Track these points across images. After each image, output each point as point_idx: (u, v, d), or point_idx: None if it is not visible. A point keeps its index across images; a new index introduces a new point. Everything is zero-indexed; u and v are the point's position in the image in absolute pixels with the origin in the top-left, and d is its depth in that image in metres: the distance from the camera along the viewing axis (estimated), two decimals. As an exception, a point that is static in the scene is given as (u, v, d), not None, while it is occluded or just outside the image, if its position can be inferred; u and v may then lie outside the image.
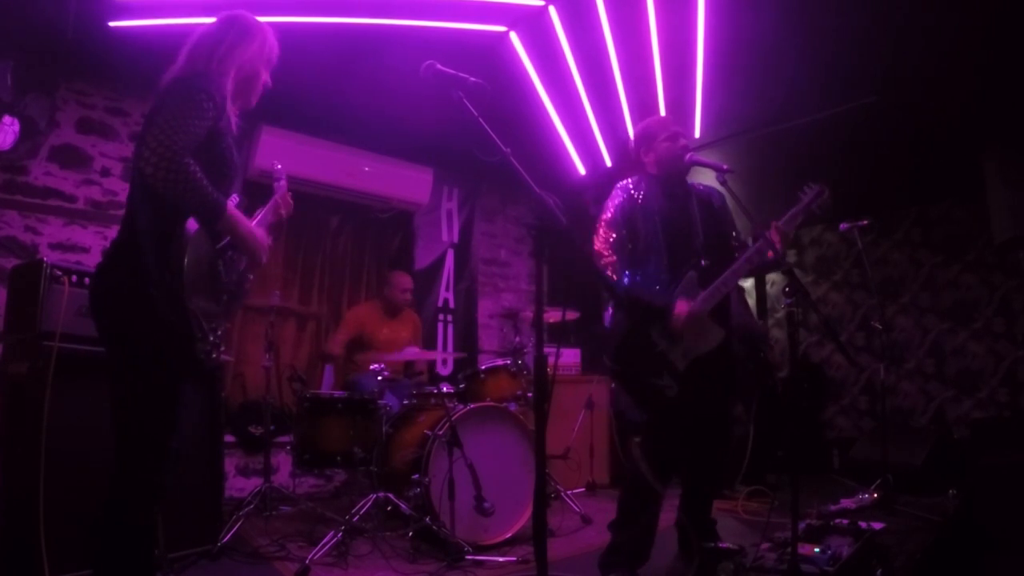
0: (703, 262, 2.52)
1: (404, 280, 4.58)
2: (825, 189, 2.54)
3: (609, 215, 2.59)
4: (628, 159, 2.78)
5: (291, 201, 2.09)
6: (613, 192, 2.66)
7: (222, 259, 1.76)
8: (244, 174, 4.40)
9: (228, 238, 1.75)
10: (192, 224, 1.64)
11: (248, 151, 4.40)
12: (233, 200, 1.80)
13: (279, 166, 2.21)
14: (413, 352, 4.38)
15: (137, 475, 1.64)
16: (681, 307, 2.43)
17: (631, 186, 2.64)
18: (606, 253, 2.52)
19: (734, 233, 2.74)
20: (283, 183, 2.12)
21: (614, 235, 2.54)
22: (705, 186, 2.77)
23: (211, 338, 1.70)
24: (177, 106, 1.60)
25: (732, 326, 2.60)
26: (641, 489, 2.48)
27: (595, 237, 2.59)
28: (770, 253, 2.46)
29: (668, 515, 2.77)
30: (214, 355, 1.73)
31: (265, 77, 1.92)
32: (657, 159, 2.64)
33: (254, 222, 1.90)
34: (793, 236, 2.53)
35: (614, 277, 2.48)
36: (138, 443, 1.65)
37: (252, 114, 4.59)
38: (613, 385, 2.60)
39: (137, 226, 1.65)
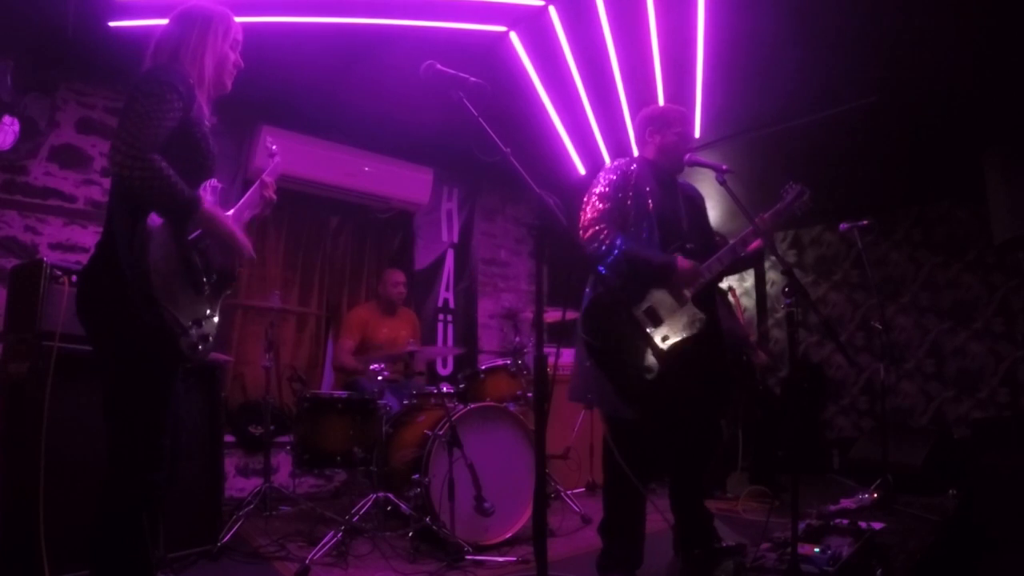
0: (688, 245, 2.52)
1: (396, 275, 4.58)
2: (806, 190, 2.53)
3: (602, 189, 2.55)
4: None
5: (272, 192, 2.04)
6: (607, 168, 2.63)
7: (196, 249, 1.73)
8: (244, 174, 4.41)
9: (199, 230, 1.73)
10: (156, 218, 1.62)
11: (248, 151, 4.41)
12: (213, 185, 1.79)
13: (274, 147, 2.18)
14: (415, 345, 4.38)
15: (129, 475, 1.64)
16: (683, 262, 2.40)
17: (624, 165, 2.62)
18: (595, 224, 2.47)
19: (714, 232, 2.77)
20: (277, 159, 2.10)
21: (607, 206, 2.50)
22: (688, 184, 2.78)
23: (193, 330, 1.69)
24: (141, 103, 1.60)
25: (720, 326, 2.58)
26: (620, 488, 2.43)
27: (585, 209, 2.55)
28: (753, 244, 2.47)
29: (667, 515, 2.77)
30: (200, 347, 1.71)
31: (234, 58, 1.90)
32: (662, 145, 2.64)
33: (232, 211, 1.88)
34: (772, 234, 2.54)
35: (605, 244, 2.42)
36: (129, 443, 1.64)
37: (252, 114, 4.60)
38: (590, 366, 2.49)
39: (114, 227, 1.66)
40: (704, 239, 2.64)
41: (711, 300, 2.58)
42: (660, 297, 2.46)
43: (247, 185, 4.28)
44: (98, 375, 1.70)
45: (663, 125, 2.66)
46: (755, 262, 2.70)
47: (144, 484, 1.65)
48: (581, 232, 2.50)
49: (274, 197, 2.04)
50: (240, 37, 1.92)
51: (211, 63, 1.82)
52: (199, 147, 1.74)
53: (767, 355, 4.46)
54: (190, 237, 1.71)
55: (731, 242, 2.51)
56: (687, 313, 2.45)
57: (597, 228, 2.46)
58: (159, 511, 1.74)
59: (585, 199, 2.58)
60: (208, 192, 1.77)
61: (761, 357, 4.32)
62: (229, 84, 1.90)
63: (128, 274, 1.58)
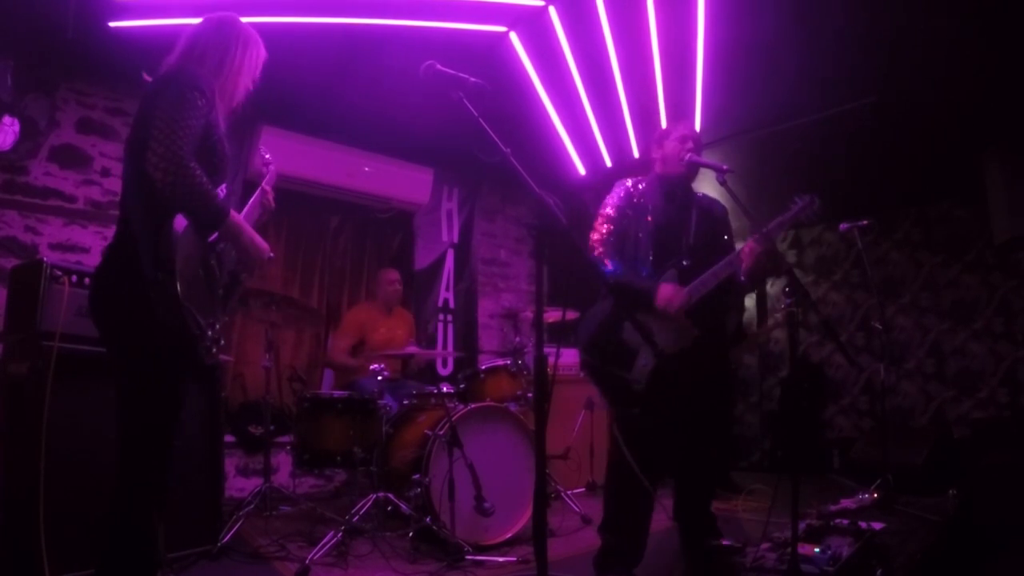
0: (685, 262, 2.53)
1: (391, 274, 4.59)
2: (816, 199, 2.53)
3: (606, 210, 2.64)
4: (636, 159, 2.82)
5: (271, 199, 2.13)
6: (614, 187, 2.70)
7: (214, 253, 1.76)
8: (244, 174, 4.41)
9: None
10: (181, 220, 1.63)
11: (248, 151, 4.41)
12: (222, 190, 1.80)
13: (267, 155, 2.27)
14: (414, 348, 4.38)
15: (142, 475, 1.64)
16: (665, 289, 2.43)
17: (630, 183, 2.68)
18: (596, 245, 2.58)
19: (728, 239, 2.75)
20: (272, 168, 2.19)
21: (607, 227, 2.59)
22: (709, 197, 2.78)
23: (209, 333, 1.69)
24: (172, 107, 1.61)
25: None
26: (627, 487, 2.44)
27: (592, 230, 2.63)
28: (746, 264, 2.45)
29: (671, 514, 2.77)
30: (214, 350, 1.72)
31: (248, 83, 1.94)
32: (663, 156, 2.66)
33: (241, 215, 1.92)
34: (777, 246, 2.53)
35: (601, 265, 2.51)
36: (142, 443, 1.65)
37: (252, 114, 4.61)
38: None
39: (131, 227, 1.66)
40: (714, 253, 2.61)
41: (715, 311, 2.58)
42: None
43: (247, 184, 4.30)
44: (101, 374, 1.71)
45: (661, 138, 2.70)
46: (758, 284, 2.71)
47: (156, 485, 1.66)
48: (589, 252, 2.58)
49: (273, 205, 2.13)
50: (262, 62, 1.98)
51: (243, 83, 1.89)
52: (215, 149, 1.76)
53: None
54: (209, 240, 1.72)
55: (716, 266, 2.48)
56: (678, 326, 2.46)
57: (597, 252, 2.56)
58: (162, 512, 1.74)
59: (595, 218, 2.66)
60: (223, 195, 1.79)
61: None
62: (236, 103, 1.96)
63: (150, 275, 1.59)
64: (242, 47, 1.87)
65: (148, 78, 1.73)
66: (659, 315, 2.44)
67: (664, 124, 4.02)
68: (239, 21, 1.91)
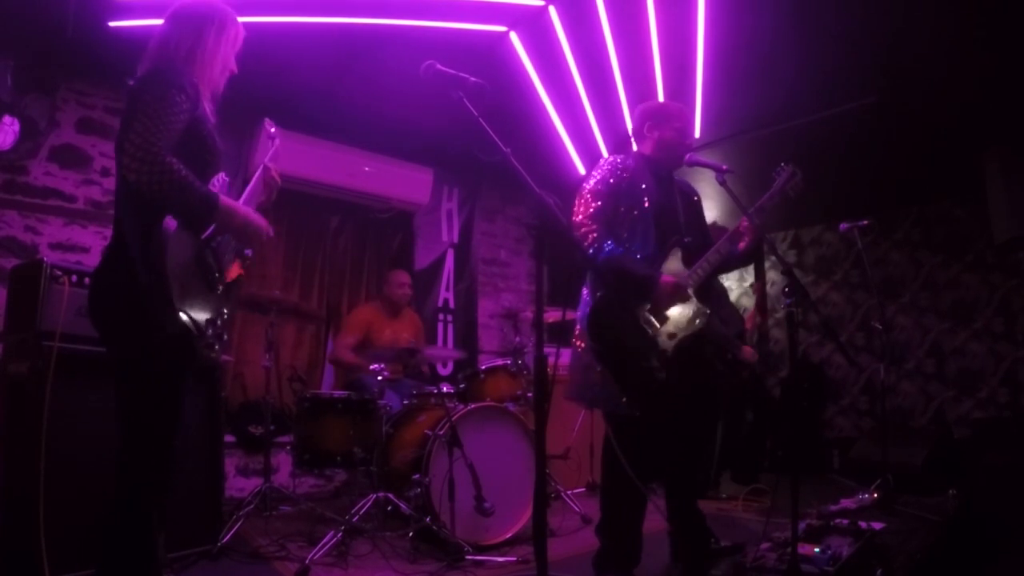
0: (686, 239, 2.50)
1: (402, 276, 4.59)
2: (797, 171, 2.51)
3: (593, 186, 2.52)
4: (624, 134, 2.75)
5: (275, 175, 2.06)
6: (599, 164, 2.61)
7: (210, 248, 1.73)
8: (244, 173, 4.41)
9: (212, 227, 1.72)
10: (171, 220, 1.60)
11: (248, 151, 4.41)
12: (221, 179, 1.78)
13: (273, 129, 2.21)
14: (416, 343, 4.38)
15: (142, 475, 1.64)
16: (667, 278, 2.36)
17: (618, 161, 2.58)
18: (587, 223, 2.44)
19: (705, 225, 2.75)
20: (277, 142, 2.13)
21: (598, 204, 2.46)
22: (686, 183, 2.76)
23: (209, 331, 1.68)
24: (150, 105, 1.58)
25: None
26: (620, 489, 2.42)
27: (576, 206, 2.51)
28: (743, 243, 2.46)
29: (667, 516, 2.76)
30: (216, 347, 1.71)
31: (230, 64, 1.89)
32: (659, 140, 2.61)
33: (241, 200, 1.88)
34: (765, 224, 2.48)
35: (593, 247, 2.39)
36: (142, 443, 1.65)
37: (252, 114, 4.60)
38: (599, 369, 2.48)
39: (124, 229, 1.65)
40: (701, 236, 2.63)
41: (709, 294, 2.58)
42: None
43: (247, 184, 4.30)
44: (101, 374, 1.70)
45: (662, 120, 2.62)
46: (752, 259, 2.66)
47: (157, 485, 1.66)
48: (574, 230, 2.46)
49: (278, 180, 2.06)
50: (240, 40, 1.93)
51: (220, 65, 1.84)
52: (205, 143, 1.74)
53: (752, 350, 4.34)
54: (203, 236, 1.71)
55: (719, 241, 2.48)
56: (691, 308, 2.43)
57: (587, 228, 2.43)
58: (163, 512, 1.74)
59: (578, 196, 2.55)
60: (218, 187, 1.77)
61: (747, 352, 4.25)
62: (222, 87, 1.91)
63: (143, 279, 1.57)
64: (216, 30, 1.81)
65: (132, 83, 1.70)
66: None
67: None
68: (211, 6, 1.85)
